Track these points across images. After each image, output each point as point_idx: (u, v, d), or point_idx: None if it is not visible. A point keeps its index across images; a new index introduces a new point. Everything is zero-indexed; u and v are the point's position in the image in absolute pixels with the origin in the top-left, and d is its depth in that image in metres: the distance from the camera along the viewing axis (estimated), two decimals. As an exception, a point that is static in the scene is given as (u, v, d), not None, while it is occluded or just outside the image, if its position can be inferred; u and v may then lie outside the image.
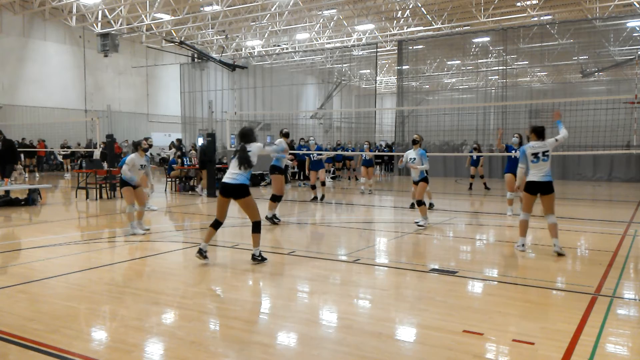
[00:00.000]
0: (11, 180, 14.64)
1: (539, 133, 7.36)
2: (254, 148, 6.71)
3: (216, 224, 6.73)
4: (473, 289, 5.75)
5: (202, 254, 6.63)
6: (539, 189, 7.24)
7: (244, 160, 6.56)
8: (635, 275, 6.45)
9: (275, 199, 9.72)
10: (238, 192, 6.56)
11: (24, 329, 4.32)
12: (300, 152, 17.84)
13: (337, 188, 17.25)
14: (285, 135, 10.67)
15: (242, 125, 33.41)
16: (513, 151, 11.31)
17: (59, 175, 24.90)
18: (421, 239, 8.90)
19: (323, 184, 14.55)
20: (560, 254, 7.01)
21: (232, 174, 6.58)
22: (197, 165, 16.51)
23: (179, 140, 23.22)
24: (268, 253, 7.40)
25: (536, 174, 7.25)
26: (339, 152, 22.40)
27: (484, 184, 17.70)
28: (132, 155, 9.06)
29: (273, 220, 9.74)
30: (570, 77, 29.99)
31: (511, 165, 11.14)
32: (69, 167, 24.88)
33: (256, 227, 6.71)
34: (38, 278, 6.00)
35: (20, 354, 3.87)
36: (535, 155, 7.27)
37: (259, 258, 6.74)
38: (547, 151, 7.24)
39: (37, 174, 23.61)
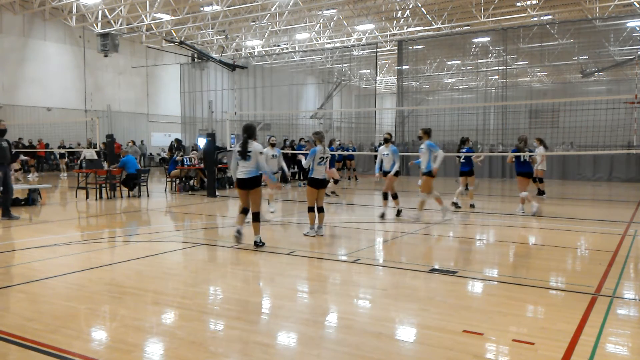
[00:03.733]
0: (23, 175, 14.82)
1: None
2: (254, 147, 7.73)
3: (245, 210, 7.93)
4: (473, 289, 5.75)
5: (239, 235, 7.96)
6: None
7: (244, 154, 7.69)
8: (635, 275, 6.45)
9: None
10: (250, 183, 7.69)
11: (24, 329, 4.32)
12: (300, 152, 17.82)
13: (337, 188, 17.24)
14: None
15: (242, 125, 33.59)
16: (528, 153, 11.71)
17: (59, 175, 24.88)
18: (421, 239, 8.90)
19: (336, 182, 15.46)
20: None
21: (243, 168, 7.70)
22: (202, 166, 16.51)
23: (178, 141, 22.88)
24: (268, 253, 7.42)
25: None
26: (350, 152, 22.32)
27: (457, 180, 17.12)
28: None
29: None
30: (570, 77, 30.02)
31: (519, 167, 11.45)
32: (64, 167, 24.89)
33: (256, 217, 7.80)
34: (38, 278, 6.00)
35: (20, 354, 3.86)
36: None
37: (261, 244, 7.71)
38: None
39: (34, 174, 23.26)
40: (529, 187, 11.64)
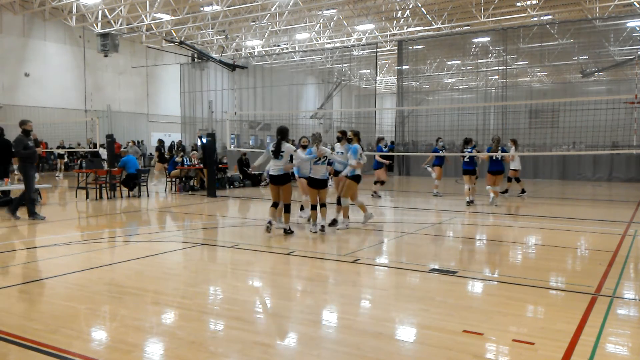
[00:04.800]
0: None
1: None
2: (286, 149, 8.54)
3: (275, 204, 8.83)
4: (473, 289, 5.75)
5: (268, 227, 8.69)
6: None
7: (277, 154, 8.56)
8: (635, 275, 6.45)
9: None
10: (280, 179, 8.60)
11: (24, 329, 4.32)
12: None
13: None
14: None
15: (242, 125, 33.62)
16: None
17: (55, 175, 24.87)
18: (421, 239, 8.90)
19: (382, 182, 15.07)
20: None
21: (275, 166, 8.59)
22: (200, 165, 16.49)
23: (161, 142, 21.79)
24: (268, 253, 7.42)
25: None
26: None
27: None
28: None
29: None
30: (570, 77, 29.98)
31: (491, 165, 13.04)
32: (62, 167, 24.85)
33: (287, 208, 8.77)
34: (38, 278, 6.00)
35: (20, 354, 3.87)
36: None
37: (289, 231, 8.67)
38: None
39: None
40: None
